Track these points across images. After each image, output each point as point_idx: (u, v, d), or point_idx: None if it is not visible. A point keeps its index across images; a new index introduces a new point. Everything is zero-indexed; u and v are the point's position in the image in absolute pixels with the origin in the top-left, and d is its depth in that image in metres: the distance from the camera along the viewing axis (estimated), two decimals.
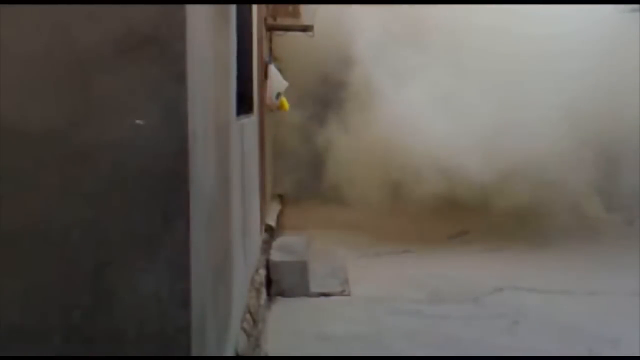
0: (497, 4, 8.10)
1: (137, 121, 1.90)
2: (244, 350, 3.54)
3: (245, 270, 4.17)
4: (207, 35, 2.47)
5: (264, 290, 5.25)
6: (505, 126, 8.25)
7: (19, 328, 1.92)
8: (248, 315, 4.04)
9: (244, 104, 4.26)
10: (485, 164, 8.16)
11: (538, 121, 8.32)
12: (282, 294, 5.66)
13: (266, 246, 5.97)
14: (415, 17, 8.36)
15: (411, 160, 8.33)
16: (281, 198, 8.48)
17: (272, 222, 6.65)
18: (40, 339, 1.92)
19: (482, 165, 8.14)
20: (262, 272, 5.39)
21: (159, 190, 1.93)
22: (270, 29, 6.88)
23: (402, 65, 8.32)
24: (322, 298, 5.65)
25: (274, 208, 7.40)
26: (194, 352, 2.00)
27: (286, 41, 7.54)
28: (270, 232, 6.41)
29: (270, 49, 7.21)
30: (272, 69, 6.62)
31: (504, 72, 8.26)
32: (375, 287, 5.93)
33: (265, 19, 6.46)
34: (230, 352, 3.17)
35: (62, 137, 1.90)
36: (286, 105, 6.95)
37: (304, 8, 6.73)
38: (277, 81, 6.63)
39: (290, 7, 6.67)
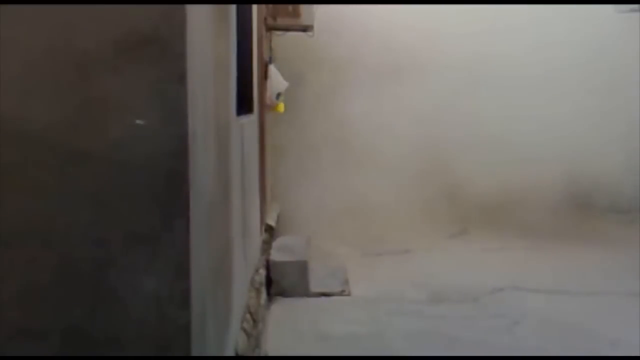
0: (497, 4, 8.11)
1: (137, 121, 1.90)
2: (244, 350, 3.54)
3: (245, 270, 4.17)
4: (207, 35, 2.47)
5: (264, 290, 5.25)
6: (509, 126, 8.29)
7: (19, 328, 1.92)
8: (248, 315, 4.04)
9: (244, 104, 4.26)
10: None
11: (539, 121, 8.35)
12: (282, 294, 5.67)
13: (266, 246, 5.97)
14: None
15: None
16: None
17: (272, 222, 6.65)
18: (40, 339, 1.92)
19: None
20: (262, 272, 5.40)
21: (159, 190, 1.93)
22: (270, 29, 6.88)
23: None
24: (322, 298, 5.65)
25: (274, 208, 7.40)
26: (194, 352, 2.00)
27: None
28: (270, 232, 6.41)
29: (270, 49, 7.21)
30: (272, 69, 6.63)
31: (505, 76, 8.29)
32: (376, 287, 5.93)
33: (265, 19, 6.46)
34: (230, 352, 3.17)
35: (62, 137, 1.90)
36: (281, 107, 6.95)
37: (304, 8, 6.73)
38: (277, 81, 6.63)
39: (290, 7, 6.67)
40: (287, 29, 7.02)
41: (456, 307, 5.41)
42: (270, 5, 6.55)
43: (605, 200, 8.41)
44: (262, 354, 4.35)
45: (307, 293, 5.69)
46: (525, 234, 7.65)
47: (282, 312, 5.33)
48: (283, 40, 7.42)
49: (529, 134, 8.34)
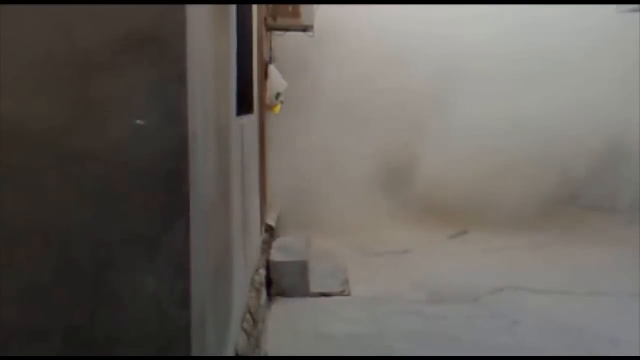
0: (498, 4, 8.11)
1: (137, 121, 1.90)
2: (244, 350, 3.54)
3: (245, 270, 4.17)
4: (207, 35, 2.47)
5: (264, 290, 5.25)
6: (506, 125, 8.31)
7: (19, 328, 1.92)
8: (248, 315, 4.04)
9: (244, 104, 4.26)
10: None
11: (538, 119, 8.36)
12: (282, 294, 5.66)
13: (266, 246, 5.97)
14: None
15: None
16: None
17: (272, 222, 6.65)
18: (40, 339, 1.92)
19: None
20: (262, 272, 5.39)
21: (159, 190, 1.93)
22: (270, 29, 6.88)
23: None
24: (322, 298, 5.65)
25: (274, 208, 7.39)
26: (194, 352, 2.00)
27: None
28: (270, 232, 6.41)
29: (271, 49, 7.21)
30: (272, 69, 6.63)
31: (506, 75, 8.30)
32: (376, 287, 5.93)
33: (265, 19, 6.46)
34: (230, 352, 3.17)
35: (62, 137, 1.90)
36: (277, 108, 6.96)
37: (304, 8, 6.73)
38: (277, 81, 6.63)
39: (290, 7, 6.67)
40: (287, 29, 7.03)
41: (456, 307, 5.41)
42: (270, 5, 6.55)
43: (605, 200, 8.41)
44: (262, 354, 4.35)
45: (307, 293, 5.69)
46: (524, 234, 7.65)
47: (282, 312, 5.32)
48: (283, 41, 7.43)
49: (528, 134, 8.35)
